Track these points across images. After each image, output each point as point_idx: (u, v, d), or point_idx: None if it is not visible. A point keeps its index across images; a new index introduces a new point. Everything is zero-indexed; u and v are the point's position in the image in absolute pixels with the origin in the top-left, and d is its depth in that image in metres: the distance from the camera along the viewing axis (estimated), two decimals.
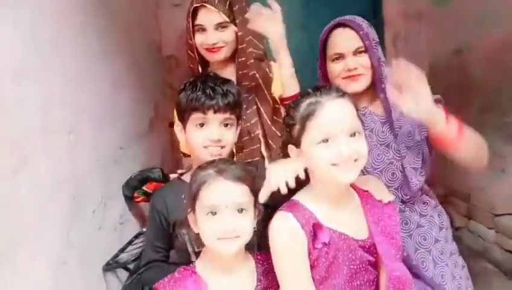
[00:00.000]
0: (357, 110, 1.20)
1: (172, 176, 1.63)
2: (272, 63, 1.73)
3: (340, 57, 1.55)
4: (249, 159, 1.65)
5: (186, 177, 1.43)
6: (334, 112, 1.15)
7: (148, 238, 1.48)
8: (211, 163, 1.25)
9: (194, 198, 1.19)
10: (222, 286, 1.20)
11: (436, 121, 1.31)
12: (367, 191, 1.30)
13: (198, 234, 1.20)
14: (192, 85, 1.41)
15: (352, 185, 1.27)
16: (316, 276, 1.15)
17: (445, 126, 1.31)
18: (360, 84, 1.54)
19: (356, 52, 1.53)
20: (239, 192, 1.17)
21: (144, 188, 1.66)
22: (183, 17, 1.68)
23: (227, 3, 1.61)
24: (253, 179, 1.23)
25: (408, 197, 1.53)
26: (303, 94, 1.25)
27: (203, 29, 1.63)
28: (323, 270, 1.15)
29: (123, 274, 1.77)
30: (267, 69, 1.71)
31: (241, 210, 1.17)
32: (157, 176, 1.67)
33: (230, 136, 1.42)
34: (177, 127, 1.47)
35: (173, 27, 2.62)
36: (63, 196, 1.54)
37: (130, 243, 1.95)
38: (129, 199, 1.73)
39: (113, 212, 1.74)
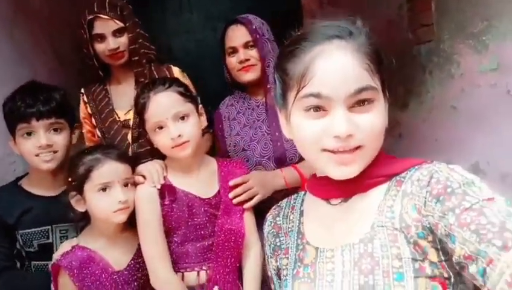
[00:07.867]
0: (187, 96, 1.42)
1: None
2: (172, 66, 1.86)
3: (234, 50, 1.71)
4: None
5: (24, 183, 1.57)
6: (159, 103, 1.38)
7: None
8: (94, 148, 1.45)
9: (83, 180, 1.35)
10: (107, 251, 1.42)
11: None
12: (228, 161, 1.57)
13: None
14: (12, 97, 1.48)
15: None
16: (168, 226, 1.43)
17: None
18: (252, 74, 1.71)
19: (247, 45, 1.69)
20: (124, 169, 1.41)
21: None
22: None
23: (118, 10, 1.72)
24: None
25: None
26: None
27: (102, 38, 1.73)
28: (172, 221, 1.43)
29: None
30: (167, 72, 1.83)
31: (127, 184, 1.40)
32: None
33: (61, 140, 1.52)
34: (11, 141, 1.53)
35: None
36: None
37: None
38: None
39: None
